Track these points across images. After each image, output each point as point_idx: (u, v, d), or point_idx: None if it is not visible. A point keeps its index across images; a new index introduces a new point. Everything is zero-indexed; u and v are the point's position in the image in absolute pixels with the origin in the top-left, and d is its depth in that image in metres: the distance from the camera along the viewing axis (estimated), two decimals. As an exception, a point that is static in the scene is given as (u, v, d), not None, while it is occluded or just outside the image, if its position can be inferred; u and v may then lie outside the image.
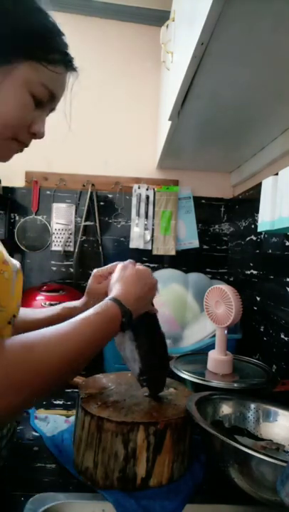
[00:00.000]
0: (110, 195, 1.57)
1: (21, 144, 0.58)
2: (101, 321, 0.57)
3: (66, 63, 0.57)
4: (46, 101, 0.56)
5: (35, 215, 1.54)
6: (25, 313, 0.75)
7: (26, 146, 0.60)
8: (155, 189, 1.56)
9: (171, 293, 1.27)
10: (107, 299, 0.62)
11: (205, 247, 1.60)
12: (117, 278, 0.68)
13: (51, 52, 0.53)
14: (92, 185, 1.54)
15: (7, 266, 0.53)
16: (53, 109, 0.61)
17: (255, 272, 1.28)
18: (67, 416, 0.86)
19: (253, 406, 0.73)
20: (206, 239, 1.60)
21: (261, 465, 0.50)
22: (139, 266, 0.72)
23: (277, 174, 0.85)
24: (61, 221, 1.55)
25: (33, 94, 0.53)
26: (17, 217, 1.54)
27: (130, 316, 0.61)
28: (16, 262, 0.62)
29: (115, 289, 0.65)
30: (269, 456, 0.48)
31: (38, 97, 0.54)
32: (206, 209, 1.60)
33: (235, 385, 0.81)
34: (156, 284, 0.70)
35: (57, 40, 0.55)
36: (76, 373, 0.57)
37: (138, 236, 1.55)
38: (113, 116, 1.57)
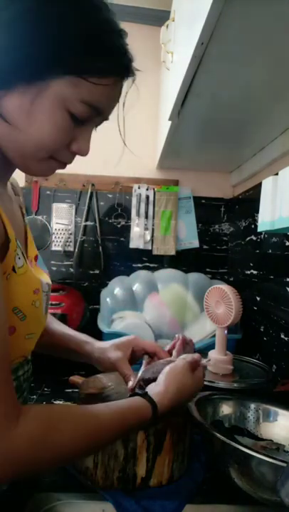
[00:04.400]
0: (110, 195, 1.57)
1: (61, 163, 0.53)
2: (131, 423, 0.52)
3: (118, 71, 0.49)
4: (89, 117, 0.49)
5: (35, 215, 1.54)
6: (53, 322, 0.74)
7: (68, 163, 0.54)
8: (155, 189, 1.56)
9: (171, 293, 1.27)
10: (150, 403, 0.54)
11: (205, 247, 1.60)
12: (173, 379, 0.58)
13: (95, 61, 0.45)
14: (92, 185, 1.54)
15: (37, 295, 0.51)
16: (102, 121, 0.55)
17: (255, 272, 1.28)
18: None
19: (253, 406, 0.73)
20: (206, 239, 1.60)
21: (261, 465, 0.50)
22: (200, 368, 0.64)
23: (277, 174, 0.85)
24: (61, 221, 1.55)
25: (71, 113, 0.47)
26: (17, 217, 1.53)
27: (157, 419, 0.54)
28: (46, 281, 0.57)
29: (160, 388, 0.57)
30: (269, 457, 0.48)
31: (77, 115, 0.47)
32: (206, 209, 1.60)
33: (235, 385, 0.81)
34: (202, 379, 0.63)
35: (105, 42, 0.47)
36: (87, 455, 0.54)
37: (138, 236, 1.55)
38: (113, 116, 1.57)
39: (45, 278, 0.59)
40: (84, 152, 0.53)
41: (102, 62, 0.46)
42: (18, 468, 0.41)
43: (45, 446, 0.43)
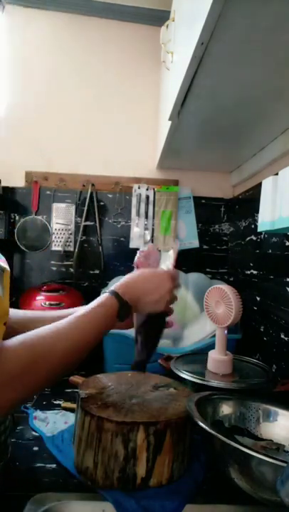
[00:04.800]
0: (110, 195, 1.57)
1: None
2: (100, 316, 0.59)
3: None
4: None
5: (35, 215, 1.54)
6: (42, 315, 0.76)
7: None
8: (155, 189, 1.56)
9: (171, 293, 1.26)
10: (106, 292, 0.64)
11: (205, 247, 1.60)
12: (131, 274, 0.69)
13: None
14: (92, 185, 1.54)
15: None
16: None
17: (255, 272, 1.28)
18: (64, 408, 0.89)
19: (253, 406, 0.73)
20: (206, 239, 1.60)
21: (261, 465, 0.50)
22: (164, 268, 0.73)
23: (277, 174, 0.85)
24: (61, 221, 1.55)
25: None
26: (17, 217, 1.53)
27: (127, 309, 0.63)
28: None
29: (119, 282, 0.67)
30: (269, 457, 0.48)
31: None
32: (206, 209, 1.60)
33: (235, 385, 0.81)
34: (171, 289, 0.69)
35: None
36: (75, 366, 0.58)
37: (138, 236, 1.55)
38: (113, 116, 1.57)
39: None
40: None
41: None
42: (12, 389, 0.47)
43: (28, 363, 0.48)
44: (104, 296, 0.63)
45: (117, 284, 0.67)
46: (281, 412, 0.71)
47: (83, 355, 0.57)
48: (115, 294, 0.63)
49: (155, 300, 0.67)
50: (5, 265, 0.57)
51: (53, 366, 0.52)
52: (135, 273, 0.70)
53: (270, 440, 0.69)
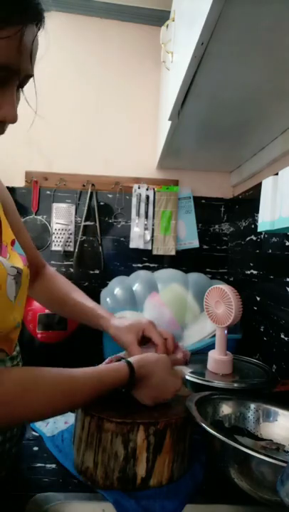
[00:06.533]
0: (110, 195, 1.57)
1: None
2: (109, 381, 0.60)
3: (17, 17, 0.40)
4: (3, 78, 0.43)
5: (35, 215, 1.54)
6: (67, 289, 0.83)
7: (0, 133, 0.49)
8: (155, 189, 1.56)
9: (171, 293, 1.27)
10: (123, 361, 0.64)
11: (205, 247, 1.60)
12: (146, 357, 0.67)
13: None
14: (92, 185, 1.54)
15: None
16: (26, 80, 0.48)
17: (255, 272, 1.28)
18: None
19: (253, 406, 0.73)
20: (206, 239, 1.60)
21: (261, 465, 0.50)
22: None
23: (277, 174, 0.85)
24: (61, 221, 1.55)
25: None
26: (17, 217, 1.53)
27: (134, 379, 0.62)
28: (14, 265, 0.55)
29: (139, 356, 0.66)
30: (269, 457, 0.48)
31: None
32: (206, 209, 1.60)
33: (235, 385, 0.81)
34: (175, 390, 0.68)
35: None
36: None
37: (138, 236, 1.55)
38: (113, 116, 1.57)
39: (17, 262, 0.58)
40: (10, 118, 0.46)
41: None
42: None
43: (21, 403, 0.49)
44: (122, 365, 0.62)
45: (142, 360, 0.65)
46: (281, 412, 0.71)
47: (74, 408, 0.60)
48: (133, 371, 0.62)
49: (154, 396, 0.66)
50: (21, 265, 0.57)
51: (39, 414, 0.53)
52: (158, 358, 0.68)
53: (270, 440, 0.69)
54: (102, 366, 0.63)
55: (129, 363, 0.62)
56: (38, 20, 0.44)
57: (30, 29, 0.43)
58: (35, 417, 0.55)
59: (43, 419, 0.59)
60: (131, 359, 0.64)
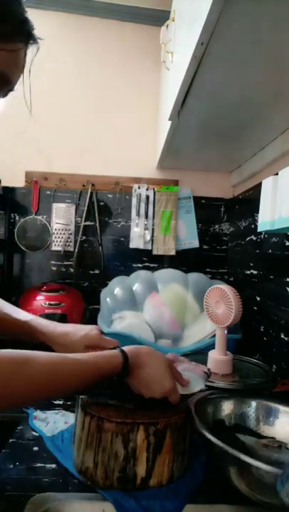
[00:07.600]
0: (110, 195, 1.57)
1: None
2: (103, 367, 0.60)
3: (22, 36, 0.47)
4: None
5: (35, 215, 1.54)
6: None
7: None
8: (155, 189, 1.56)
9: (171, 293, 1.27)
10: (117, 349, 0.65)
11: (205, 247, 1.60)
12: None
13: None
14: (92, 185, 1.54)
15: None
16: (8, 92, 0.52)
17: (255, 272, 1.28)
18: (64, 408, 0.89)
19: (254, 404, 0.73)
20: (206, 239, 1.60)
21: (260, 470, 0.49)
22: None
23: (277, 174, 0.85)
24: (61, 221, 1.55)
25: None
26: (17, 217, 1.54)
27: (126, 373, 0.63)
28: None
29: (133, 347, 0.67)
30: (267, 463, 0.48)
31: None
32: (206, 209, 1.60)
33: (236, 385, 0.81)
34: (171, 387, 0.66)
35: (8, 7, 0.45)
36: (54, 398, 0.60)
37: (138, 236, 1.55)
38: (113, 116, 1.57)
39: None
40: None
41: (5, 27, 0.45)
42: None
43: (17, 377, 0.50)
44: (116, 353, 0.63)
45: (136, 351, 0.66)
46: (283, 409, 0.71)
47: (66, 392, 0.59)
48: (124, 354, 0.63)
49: (148, 386, 0.65)
50: None
51: (34, 392, 0.54)
52: (153, 352, 0.68)
53: (273, 438, 0.69)
54: (96, 353, 0.63)
55: (122, 352, 0.64)
56: (33, 43, 0.50)
57: (24, 51, 0.49)
58: (32, 394, 0.54)
59: (39, 399, 0.58)
60: (124, 348, 0.65)
